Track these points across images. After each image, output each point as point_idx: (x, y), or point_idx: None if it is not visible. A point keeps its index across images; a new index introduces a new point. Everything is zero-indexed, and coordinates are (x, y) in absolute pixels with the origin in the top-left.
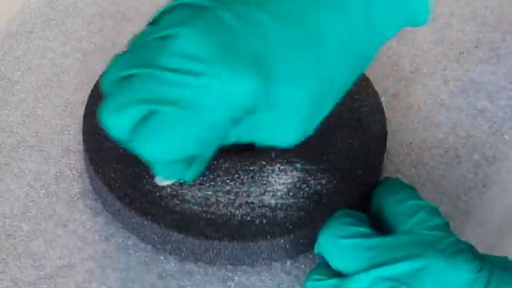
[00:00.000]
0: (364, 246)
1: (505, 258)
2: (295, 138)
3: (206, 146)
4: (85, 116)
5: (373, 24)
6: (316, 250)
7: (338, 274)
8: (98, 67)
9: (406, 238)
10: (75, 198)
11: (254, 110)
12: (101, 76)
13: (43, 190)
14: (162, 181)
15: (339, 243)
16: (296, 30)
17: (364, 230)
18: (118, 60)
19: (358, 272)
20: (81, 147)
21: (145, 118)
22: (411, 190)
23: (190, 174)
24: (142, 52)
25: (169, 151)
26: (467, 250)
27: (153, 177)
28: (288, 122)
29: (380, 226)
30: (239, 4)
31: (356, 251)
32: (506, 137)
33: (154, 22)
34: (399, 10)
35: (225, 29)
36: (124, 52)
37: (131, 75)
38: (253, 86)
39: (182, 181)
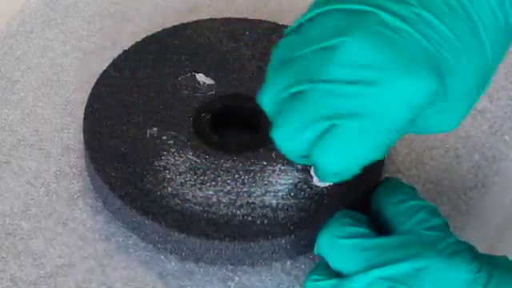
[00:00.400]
0: (363, 246)
1: (504, 258)
2: (459, 121)
3: (384, 150)
4: (85, 115)
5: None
6: (315, 250)
7: (338, 275)
8: (98, 66)
9: (406, 238)
10: (75, 196)
11: (429, 107)
12: (258, 95)
13: (43, 189)
14: (320, 182)
15: (338, 243)
16: (457, 24)
17: (363, 230)
18: (276, 77)
19: (356, 272)
20: (81, 146)
21: (325, 134)
22: (411, 191)
23: (352, 175)
24: (304, 66)
25: (352, 163)
26: (466, 251)
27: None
28: (453, 109)
29: (380, 226)
30: (397, 4)
31: (355, 251)
32: (506, 137)
33: (298, 30)
34: None
35: (391, 32)
36: (276, 67)
37: (298, 92)
38: (431, 87)
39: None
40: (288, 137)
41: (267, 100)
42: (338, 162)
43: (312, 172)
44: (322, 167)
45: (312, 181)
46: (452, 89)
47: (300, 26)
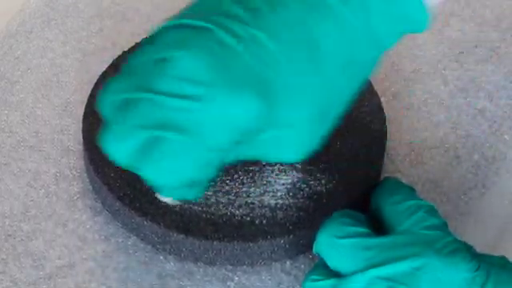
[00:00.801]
0: (361, 245)
1: (503, 258)
2: (300, 153)
3: (210, 169)
4: (84, 116)
5: (372, 34)
6: (314, 250)
7: (336, 274)
8: (98, 67)
9: (404, 237)
10: (75, 197)
11: (257, 130)
12: (98, 97)
13: (43, 190)
14: (163, 197)
15: (337, 243)
16: (294, 46)
17: (362, 230)
18: (115, 82)
19: (355, 272)
20: (80, 147)
21: (148, 145)
22: (410, 191)
23: (192, 195)
24: (140, 74)
25: (173, 177)
26: (465, 250)
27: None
28: (291, 138)
29: (379, 226)
30: (236, 23)
31: (353, 251)
32: (505, 137)
33: (149, 41)
34: (398, 19)
35: (223, 50)
36: (121, 73)
37: (130, 99)
38: (254, 107)
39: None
40: (113, 143)
41: (102, 105)
42: (158, 175)
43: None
44: (146, 179)
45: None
46: (282, 114)
47: (151, 37)
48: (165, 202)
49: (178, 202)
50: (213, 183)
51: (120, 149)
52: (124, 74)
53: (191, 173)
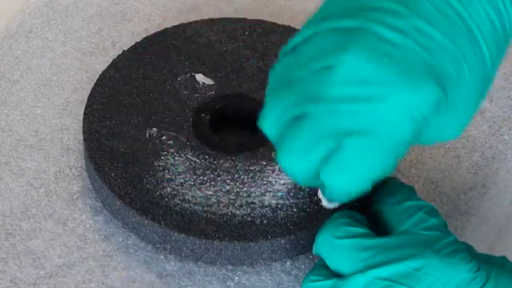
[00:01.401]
0: (361, 246)
1: (503, 259)
2: (462, 130)
3: (395, 164)
4: (85, 115)
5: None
6: (314, 250)
7: (336, 275)
8: (98, 67)
9: (403, 238)
10: (75, 196)
11: (433, 117)
12: (259, 117)
13: (43, 189)
14: (329, 204)
15: (336, 244)
16: (455, 30)
17: (361, 230)
18: (275, 100)
19: (354, 273)
20: (80, 146)
21: (331, 154)
22: (409, 191)
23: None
24: (302, 87)
25: (362, 181)
26: (465, 250)
27: (317, 198)
28: (460, 118)
29: (379, 226)
30: (389, 16)
31: (353, 252)
32: (505, 137)
33: (293, 51)
34: None
35: (388, 45)
36: (275, 91)
37: (301, 114)
38: (433, 96)
39: None
40: (294, 160)
41: (268, 125)
42: (348, 181)
43: (319, 194)
44: (330, 188)
45: (321, 203)
46: (453, 98)
47: (295, 47)
48: (166, 198)
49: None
50: (214, 183)
51: (302, 165)
52: (281, 91)
53: (376, 173)
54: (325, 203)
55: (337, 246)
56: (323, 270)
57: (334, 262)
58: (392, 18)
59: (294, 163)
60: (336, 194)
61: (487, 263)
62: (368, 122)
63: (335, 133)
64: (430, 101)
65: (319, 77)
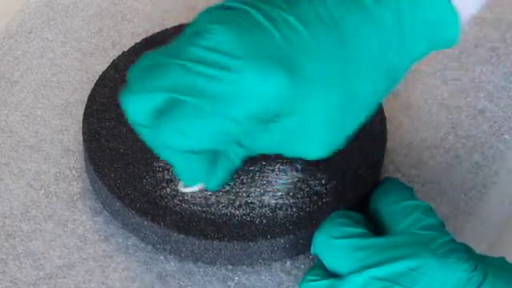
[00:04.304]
0: (358, 246)
1: (501, 259)
2: (322, 149)
3: (230, 143)
4: (85, 116)
5: (403, 36)
6: (312, 250)
7: (333, 275)
8: (98, 67)
9: (400, 238)
10: (75, 197)
11: (281, 113)
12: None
13: (43, 190)
14: (184, 187)
15: (333, 243)
16: (325, 34)
17: (359, 230)
18: (149, 53)
19: (351, 273)
20: (80, 147)
21: (167, 106)
22: (407, 191)
23: (213, 180)
24: (173, 46)
25: (188, 140)
26: (461, 250)
27: (175, 183)
28: (314, 130)
29: (377, 226)
30: (271, 6)
31: (350, 251)
32: (506, 137)
33: (191, 23)
34: (429, 25)
35: (256, 28)
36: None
37: (158, 63)
38: (280, 84)
39: (205, 189)
40: (132, 99)
41: (133, 70)
42: (174, 138)
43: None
44: (159, 147)
45: (179, 187)
46: (306, 100)
47: (195, 17)
48: (166, 199)
49: (196, 189)
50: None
51: (139, 106)
52: (161, 48)
53: (207, 139)
54: (181, 186)
55: (334, 246)
56: (321, 269)
57: (331, 262)
58: (271, 8)
59: (132, 102)
60: (164, 151)
61: (485, 263)
62: (211, 87)
63: (178, 87)
64: (276, 87)
65: (188, 39)
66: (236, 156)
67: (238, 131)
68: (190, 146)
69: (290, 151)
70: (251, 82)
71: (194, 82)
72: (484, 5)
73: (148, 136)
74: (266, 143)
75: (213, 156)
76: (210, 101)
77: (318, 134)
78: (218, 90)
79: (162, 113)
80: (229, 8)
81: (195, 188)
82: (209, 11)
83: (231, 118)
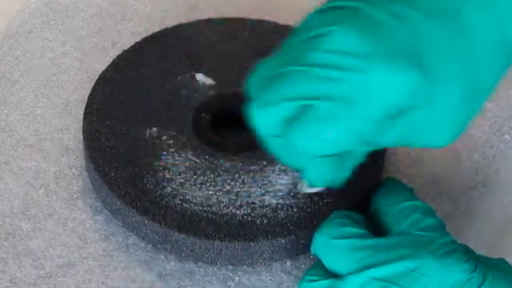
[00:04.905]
0: (357, 246)
1: (501, 260)
2: (449, 137)
3: (362, 142)
4: (85, 115)
5: None
6: (312, 250)
7: (333, 275)
8: (98, 67)
9: (399, 238)
10: (75, 196)
11: (411, 108)
12: (247, 78)
13: (43, 189)
14: (307, 188)
15: (332, 244)
16: (449, 27)
17: (358, 230)
18: (266, 61)
19: (350, 273)
20: (80, 146)
21: (297, 113)
22: (408, 192)
23: (340, 175)
24: (292, 52)
25: (322, 144)
26: (461, 251)
27: (295, 185)
28: (443, 120)
29: (377, 227)
30: (391, 3)
31: (349, 252)
32: (506, 137)
33: (302, 27)
34: None
35: (379, 26)
36: (274, 54)
37: (280, 73)
38: (409, 80)
39: (328, 186)
40: (258, 112)
41: (253, 81)
42: (308, 144)
43: (300, 178)
44: (294, 148)
45: (300, 189)
46: (436, 93)
47: (306, 19)
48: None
49: (320, 189)
50: (214, 183)
51: (269, 118)
52: (276, 54)
53: (341, 142)
54: (303, 188)
55: (333, 247)
56: (320, 270)
57: (331, 262)
58: (389, 2)
59: (258, 115)
60: (295, 157)
61: (485, 264)
62: (340, 90)
63: (306, 94)
64: (406, 83)
65: (307, 43)
66: (361, 153)
67: (370, 131)
68: (324, 150)
69: (416, 143)
70: (380, 80)
71: (323, 86)
72: None
73: (278, 146)
74: (392, 137)
75: (340, 156)
76: (341, 103)
77: (446, 124)
78: (347, 92)
79: (294, 120)
80: (339, 7)
81: (318, 188)
82: (320, 13)
83: (363, 118)
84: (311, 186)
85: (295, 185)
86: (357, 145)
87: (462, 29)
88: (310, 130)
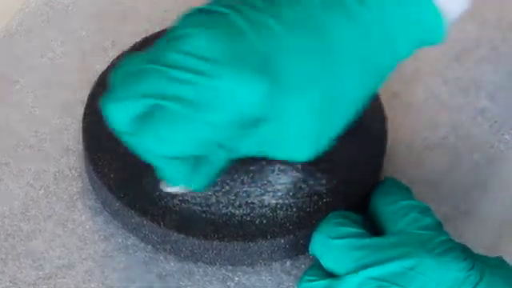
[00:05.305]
0: (354, 246)
1: (499, 259)
2: (307, 152)
3: (210, 148)
4: (84, 116)
5: (387, 36)
6: (310, 250)
7: (331, 275)
8: (98, 67)
9: (397, 238)
10: (75, 197)
11: (262, 118)
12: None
13: (42, 190)
14: (167, 186)
15: (330, 244)
16: (307, 37)
17: (356, 230)
18: (132, 57)
19: (348, 273)
20: (80, 147)
21: (148, 112)
22: (405, 191)
23: (196, 181)
24: (156, 51)
25: (169, 147)
26: (458, 250)
27: (158, 181)
28: (298, 133)
29: (375, 226)
30: (251, 10)
31: (346, 251)
32: (506, 137)
33: (173, 27)
34: (413, 25)
35: (235, 32)
36: (142, 51)
37: (138, 70)
38: (259, 89)
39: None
40: (110, 105)
41: (115, 75)
42: (154, 144)
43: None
44: (140, 151)
45: (162, 187)
46: (288, 104)
47: (176, 21)
48: (166, 199)
49: (181, 191)
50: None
51: (119, 112)
52: (144, 52)
53: (187, 145)
54: (163, 186)
55: (331, 246)
56: (318, 269)
57: (329, 262)
58: (250, 10)
59: (112, 108)
60: (147, 156)
61: (482, 263)
62: (190, 93)
63: (157, 93)
64: (254, 91)
65: (168, 44)
66: (218, 159)
67: (217, 137)
68: (171, 152)
69: (273, 155)
70: (229, 87)
71: (173, 87)
72: (470, 4)
73: (129, 141)
74: (248, 147)
75: (195, 158)
76: (189, 106)
77: (300, 138)
78: (196, 96)
79: (143, 119)
80: (208, 11)
81: (177, 188)
82: (188, 15)
83: (210, 123)
84: (170, 185)
85: (161, 183)
86: (205, 149)
87: (322, 43)
88: (156, 131)
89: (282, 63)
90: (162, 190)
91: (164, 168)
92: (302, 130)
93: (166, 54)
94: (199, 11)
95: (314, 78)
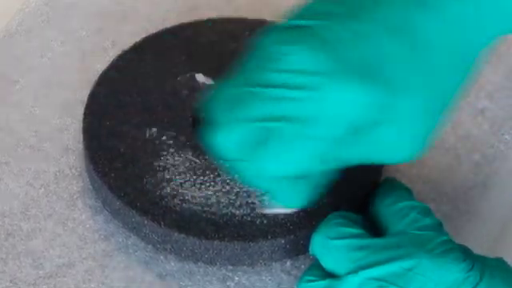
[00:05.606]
0: (354, 246)
1: (499, 260)
2: (411, 152)
3: (326, 161)
4: (84, 115)
5: (482, 32)
6: (310, 251)
7: (331, 275)
8: (98, 67)
9: (396, 238)
10: (75, 196)
11: (374, 123)
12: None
13: (43, 189)
14: (275, 208)
15: (330, 244)
16: (406, 41)
17: (356, 231)
18: (223, 85)
19: (348, 273)
20: (80, 146)
21: (258, 136)
22: (405, 192)
23: (310, 194)
24: (250, 74)
25: (286, 166)
26: (458, 250)
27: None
28: (403, 136)
29: (375, 227)
30: (347, 20)
31: (346, 252)
32: (506, 137)
33: (258, 48)
34: (505, 15)
35: (336, 43)
36: (230, 78)
37: (239, 95)
38: (369, 96)
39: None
40: (220, 135)
41: (213, 105)
42: (273, 167)
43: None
44: (258, 171)
45: (268, 210)
46: (397, 108)
47: (263, 39)
48: (166, 198)
49: (284, 211)
50: (214, 183)
51: (228, 140)
52: (234, 77)
53: (305, 163)
54: (269, 209)
55: (330, 247)
56: (318, 270)
57: (329, 263)
58: (346, 20)
59: (220, 138)
60: (257, 179)
61: (482, 264)
62: (299, 110)
63: (265, 116)
64: (368, 99)
65: (264, 64)
66: (330, 170)
67: (335, 149)
68: (288, 172)
69: (378, 159)
70: (336, 98)
71: (281, 107)
72: None
73: (242, 169)
74: (356, 154)
75: (309, 175)
76: (301, 123)
77: (407, 139)
78: (306, 112)
79: (255, 143)
80: (297, 27)
81: (281, 209)
82: (276, 32)
83: (326, 137)
84: (279, 206)
85: (262, 206)
86: (321, 164)
87: (419, 41)
88: (272, 153)
89: (388, 66)
90: (267, 211)
91: (277, 190)
92: (414, 131)
93: (264, 74)
94: (287, 28)
95: (417, 79)
